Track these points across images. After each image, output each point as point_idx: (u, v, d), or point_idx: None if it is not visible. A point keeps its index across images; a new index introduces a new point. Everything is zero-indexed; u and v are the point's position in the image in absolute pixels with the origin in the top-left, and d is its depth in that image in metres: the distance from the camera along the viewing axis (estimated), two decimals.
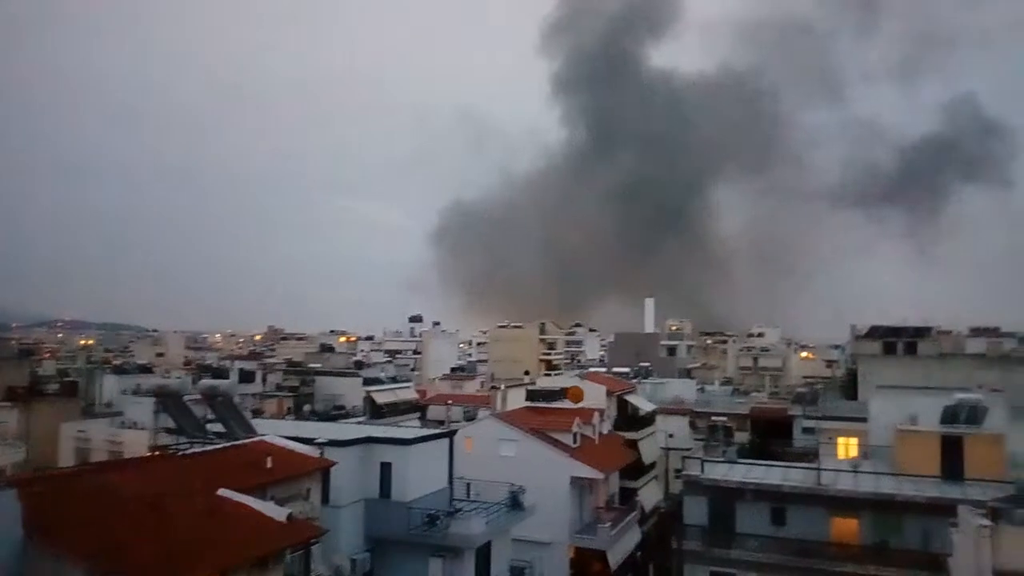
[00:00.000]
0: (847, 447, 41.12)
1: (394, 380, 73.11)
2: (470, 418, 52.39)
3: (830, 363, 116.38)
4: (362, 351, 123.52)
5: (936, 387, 43.27)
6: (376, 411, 62.40)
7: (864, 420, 40.74)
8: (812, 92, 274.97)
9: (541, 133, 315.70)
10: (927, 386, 45.17)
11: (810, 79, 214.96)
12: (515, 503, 30.75)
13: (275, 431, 26.33)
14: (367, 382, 66.54)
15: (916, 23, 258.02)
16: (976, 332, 72.88)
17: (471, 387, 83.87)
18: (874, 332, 64.07)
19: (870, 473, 35.38)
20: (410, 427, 44.54)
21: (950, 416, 35.43)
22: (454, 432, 31.53)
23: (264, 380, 67.35)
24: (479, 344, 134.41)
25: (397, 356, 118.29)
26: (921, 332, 62.29)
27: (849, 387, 64.27)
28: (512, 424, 40.81)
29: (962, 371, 52.44)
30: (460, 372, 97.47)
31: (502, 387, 53.42)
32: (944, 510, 28.36)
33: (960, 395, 36.57)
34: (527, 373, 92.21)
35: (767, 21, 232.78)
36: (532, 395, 47.40)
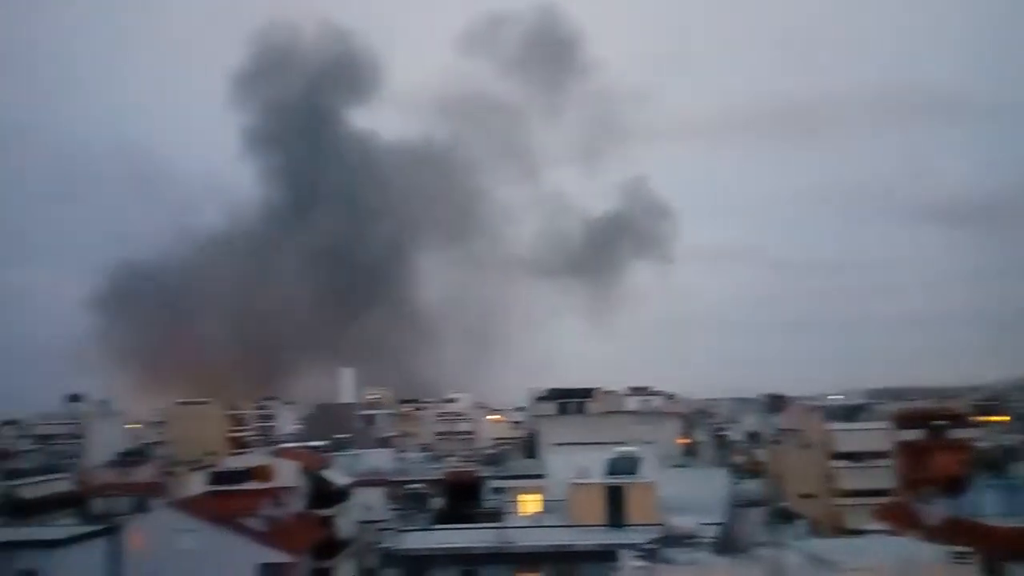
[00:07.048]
0: (530, 503, 44.02)
1: (46, 470, 63.64)
2: (142, 509, 47.12)
3: (516, 424, 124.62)
4: (7, 438, 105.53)
5: (602, 442, 48.38)
6: (20, 509, 53.64)
7: (543, 477, 44.08)
8: (507, 167, 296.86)
9: (230, 190, 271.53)
10: (595, 441, 50.31)
11: (505, 155, 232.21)
12: None
13: None
14: (9, 475, 57.77)
15: (594, 112, 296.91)
16: (633, 391, 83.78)
17: (145, 473, 75.39)
18: (550, 395, 70.55)
19: (549, 527, 38.19)
20: (64, 526, 38.61)
21: (612, 468, 39.85)
22: (117, 528, 27.95)
23: None
24: (156, 424, 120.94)
25: (51, 442, 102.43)
26: (587, 393, 70.00)
27: (531, 446, 69.32)
28: (191, 512, 37.28)
29: (622, 426, 59.46)
30: (132, 456, 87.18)
31: (182, 471, 48.83)
32: (612, 556, 31.45)
33: (620, 448, 41.41)
34: (212, 454, 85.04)
35: (464, 97, 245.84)
36: (216, 478, 43.98)
